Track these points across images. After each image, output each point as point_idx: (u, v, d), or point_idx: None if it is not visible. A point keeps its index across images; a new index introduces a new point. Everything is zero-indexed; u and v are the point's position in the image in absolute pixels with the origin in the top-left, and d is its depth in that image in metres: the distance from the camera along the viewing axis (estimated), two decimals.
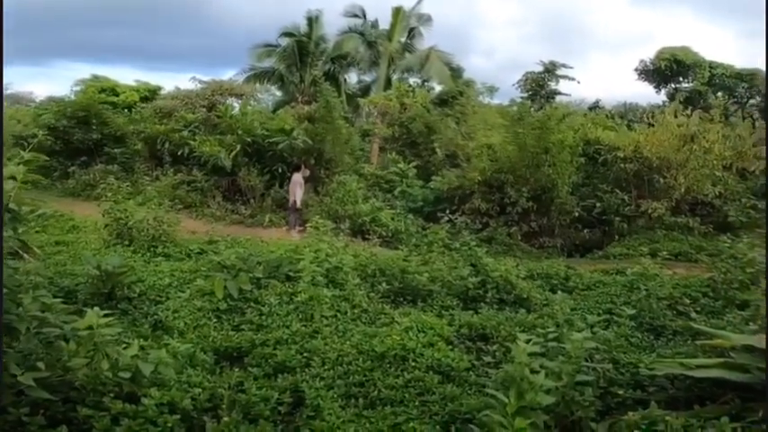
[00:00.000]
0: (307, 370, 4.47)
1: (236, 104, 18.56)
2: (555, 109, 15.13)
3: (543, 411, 3.07)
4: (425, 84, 27.17)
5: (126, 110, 21.19)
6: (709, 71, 21.83)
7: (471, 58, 72.42)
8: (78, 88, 24.07)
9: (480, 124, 16.87)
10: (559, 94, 25.07)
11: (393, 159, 17.07)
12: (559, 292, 7.43)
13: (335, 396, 4.10)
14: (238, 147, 14.56)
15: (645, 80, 24.05)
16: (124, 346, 3.70)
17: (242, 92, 19.67)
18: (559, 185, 12.88)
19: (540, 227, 12.86)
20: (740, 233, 12.35)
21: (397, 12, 22.99)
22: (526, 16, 69.93)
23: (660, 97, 23.69)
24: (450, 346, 4.99)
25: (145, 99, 23.17)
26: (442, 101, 21.76)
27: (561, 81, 24.94)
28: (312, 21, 23.28)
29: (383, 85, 22.63)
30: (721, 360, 3.69)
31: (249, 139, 14.80)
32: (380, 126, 18.94)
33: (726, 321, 5.69)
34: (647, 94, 28.34)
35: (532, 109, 17.36)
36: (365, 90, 25.37)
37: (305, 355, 4.72)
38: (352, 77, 27.25)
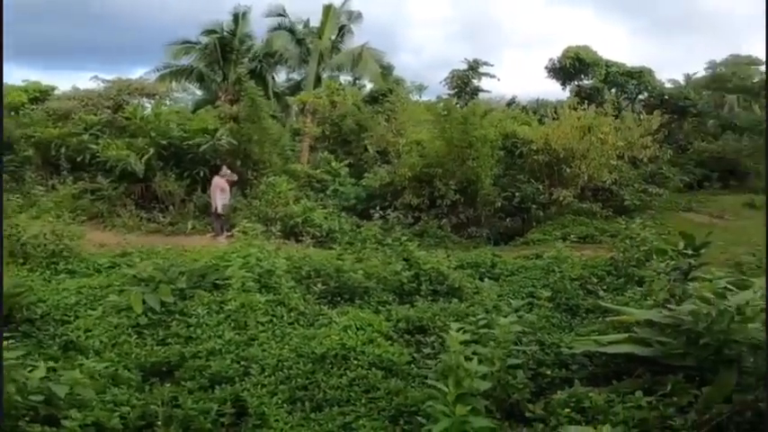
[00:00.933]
0: (246, 378, 4.37)
1: (148, 105, 17.18)
2: (476, 105, 15.92)
3: (483, 397, 3.25)
4: (357, 82, 27.11)
5: (12, 112, 18.69)
6: (605, 69, 24.12)
7: (400, 55, 73.93)
8: None
9: (410, 121, 17.30)
10: (482, 91, 26.30)
11: (324, 158, 16.90)
12: (487, 279, 7.88)
13: (280, 402, 4.05)
14: (152, 150, 13.50)
15: (553, 77, 25.91)
16: (30, 369, 3.42)
17: (154, 91, 18.26)
18: (483, 178, 13.63)
19: (468, 218, 13.52)
20: (634, 215, 14.05)
21: (328, 9, 22.67)
22: (452, 15, 72.95)
23: (566, 94, 25.72)
24: (390, 341, 5.11)
25: (35, 100, 20.60)
26: (373, 98, 21.89)
27: (483, 78, 26.22)
28: (238, 17, 22.21)
29: (313, 83, 22.23)
30: (627, 335, 4.05)
31: (164, 142, 13.79)
32: (310, 125, 18.61)
33: (628, 297, 6.35)
34: (555, 91, 30.86)
35: (458, 105, 18.11)
36: (295, 88, 24.72)
37: (242, 363, 4.62)
38: (281, 76, 26.52)
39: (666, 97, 22.58)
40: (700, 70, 29.32)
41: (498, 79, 26.38)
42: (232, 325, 5.37)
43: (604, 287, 7.28)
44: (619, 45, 66.86)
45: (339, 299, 6.58)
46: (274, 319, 5.65)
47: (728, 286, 3.88)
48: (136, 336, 5.21)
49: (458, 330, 3.67)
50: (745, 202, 17.30)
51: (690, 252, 6.63)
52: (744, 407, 3.05)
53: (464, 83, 25.66)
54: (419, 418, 3.41)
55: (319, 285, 6.62)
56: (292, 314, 5.87)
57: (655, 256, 7.37)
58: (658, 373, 3.60)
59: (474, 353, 3.70)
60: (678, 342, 3.65)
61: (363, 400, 4.04)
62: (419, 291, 6.85)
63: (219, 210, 12.12)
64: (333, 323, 5.55)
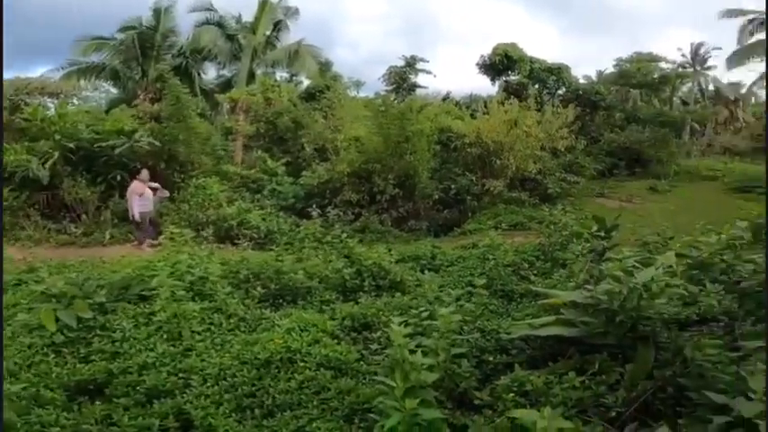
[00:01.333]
0: (187, 390, 4.15)
1: (51, 105, 15.51)
2: (413, 101, 16.28)
3: (432, 388, 3.29)
4: (293, 78, 26.46)
5: None
6: (530, 65, 25.62)
7: (338, 51, 73.67)
8: None
9: (348, 117, 17.25)
10: (419, 86, 26.97)
11: (260, 157, 16.35)
12: (427, 271, 8.04)
13: (227, 412, 3.89)
14: (56, 154, 12.20)
15: (484, 73, 27.02)
16: None
17: (59, 90, 16.52)
18: (420, 171, 13.96)
19: (408, 211, 13.80)
20: (557, 202, 15.15)
21: (264, 4, 21.80)
22: (389, 11, 73.69)
23: (495, 89, 26.96)
24: (337, 340, 5.05)
25: None
26: (310, 95, 21.51)
27: (420, 74, 26.79)
28: (160, 12, 20.64)
29: (246, 79, 21.33)
30: (556, 317, 4.16)
31: (72, 145, 12.51)
32: (243, 123, 17.85)
33: (555, 280, 6.69)
34: (487, 86, 32.27)
35: (396, 101, 18.38)
36: (225, 85, 23.56)
37: (180, 375, 4.37)
38: (210, 72, 25.19)
39: (581, 92, 24.47)
40: (609, 67, 32.15)
41: (435, 75, 27.33)
42: (164, 336, 5.05)
43: (535, 272, 7.59)
44: (546, 42, 71.82)
45: (281, 301, 6.39)
46: (212, 328, 5.37)
47: (636, 264, 4.12)
48: (54, 355, 4.75)
49: (401, 324, 3.67)
50: (649, 186, 19.28)
51: (603, 234, 7.18)
52: (665, 383, 3.22)
53: (402, 79, 26.13)
54: (372, 415, 3.40)
55: (259, 289, 6.37)
56: (232, 321, 5.61)
57: (574, 240, 7.88)
58: (587, 353, 3.76)
59: (418, 345, 3.71)
60: (598, 321, 3.80)
61: (315, 402, 3.96)
62: (362, 287, 6.81)
63: (137, 217, 11.20)
64: (276, 326, 5.39)
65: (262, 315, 5.82)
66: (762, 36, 19.66)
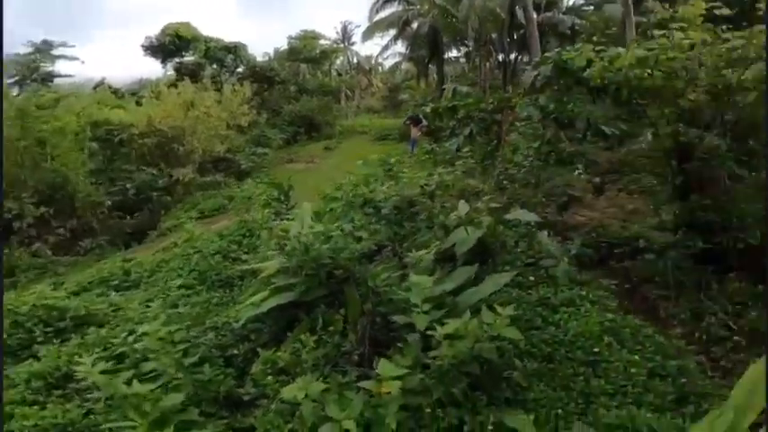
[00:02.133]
0: None
1: None
2: (40, 94, 12.77)
3: (193, 405, 2.98)
4: None
5: None
6: (206, 45, 24.29)
7: None
8: None
9: None
10: (60, 76, 21.47)
11: None
12: (120, 291, 6.85)
13: None
14: None
15: (152, 56, 24.16)
16: None
17: None
18: (72, 178, 11.34)
19: (74, 230, 11.10)
20: (252, 176, 15.53)
21: None
22: None
23: (167, 71, 24.58)
24: (38, 407, 3.84)
25: None
26: None
27: (62, 62, 21.31)
28: None
29: None
30: (270, 288, 4.01)
31: None
32: None
33: (263, 253, 6.40)
34: (158, 70, 28.51)
35: (21, 97, 13.99)
36: None
37: None
38: None
39: (258, 69, 25.30)
40: (285, 44, 34.16)
41: (83, 62, 22.36)
42: None
43: (245, 250, 7.47)
44: (225, 21, 68.02)
45: None
46: None
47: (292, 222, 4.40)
48: None
49: (94, 363, 3.19)
50: (324, 146, 22.25)
51: (283, 198, 7.67)
52: (372, 315, 3.43)
53: (30, 69, 20.24)
54: None
55: None
56: None
57: (265, 209, 8.22)
58: (307, 313, 3.82)
59: (137, 375, 3.24)
60: (300, 279, 3.79)
61: None
62: (34, 339, 5.25)
63: None
64: None
65: None
66: (384, 14, 24.70)
